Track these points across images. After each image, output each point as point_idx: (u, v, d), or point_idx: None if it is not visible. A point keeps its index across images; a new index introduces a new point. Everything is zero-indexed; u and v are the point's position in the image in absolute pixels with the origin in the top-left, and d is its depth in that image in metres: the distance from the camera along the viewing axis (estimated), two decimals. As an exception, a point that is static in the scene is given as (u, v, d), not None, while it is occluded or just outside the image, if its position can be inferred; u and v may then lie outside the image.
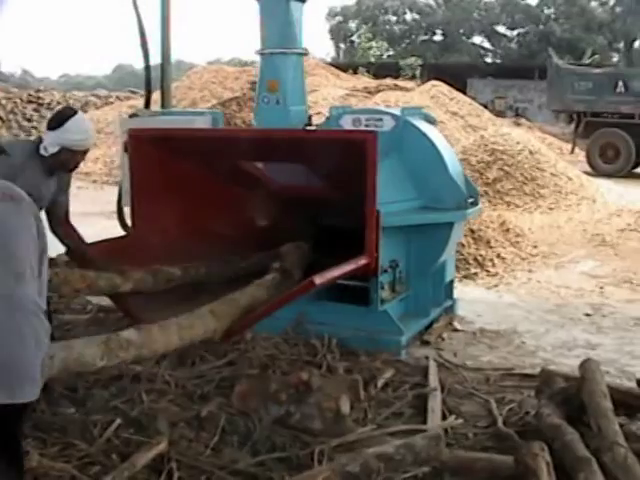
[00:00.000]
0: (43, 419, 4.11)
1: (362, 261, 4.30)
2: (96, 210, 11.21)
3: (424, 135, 5.82)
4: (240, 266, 5.17)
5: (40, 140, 4.19)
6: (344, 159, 4.52)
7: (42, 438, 3.88)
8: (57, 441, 3.87)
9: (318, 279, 3.72)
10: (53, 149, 4.12)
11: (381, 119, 5.94)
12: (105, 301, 6.23)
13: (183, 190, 5.07)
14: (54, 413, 4.20)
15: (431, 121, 6.24)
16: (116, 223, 7.69)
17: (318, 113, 6.89)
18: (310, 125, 6.43)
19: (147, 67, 7.70)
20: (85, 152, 4.30)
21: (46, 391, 4.52)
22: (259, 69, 6.59)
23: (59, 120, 4.17)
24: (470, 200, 5.86)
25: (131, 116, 6.56)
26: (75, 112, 4.27)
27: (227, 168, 5.08)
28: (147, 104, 7.55)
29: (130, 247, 5.00)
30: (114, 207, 7.82)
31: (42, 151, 4.12)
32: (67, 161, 4.22)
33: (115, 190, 8.03)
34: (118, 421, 4.04)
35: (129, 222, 6.25)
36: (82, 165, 16.93)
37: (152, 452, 3.66)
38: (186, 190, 5.11)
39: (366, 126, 5.94)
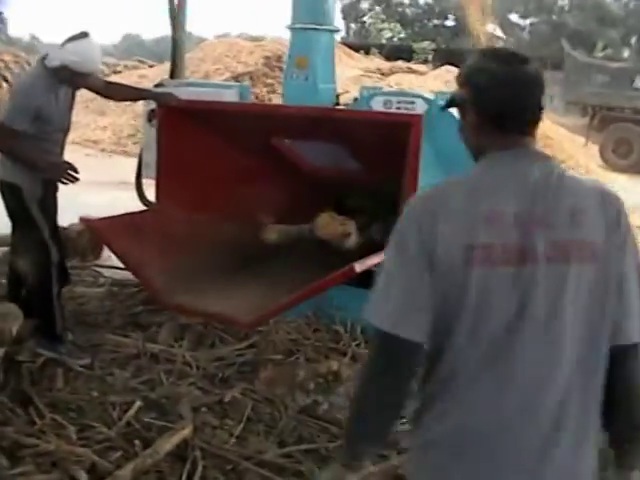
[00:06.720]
0: (59, 397, 3.95)
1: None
2: (105, 179, 11.03)
3: (458, 121, 5.62)
4: None
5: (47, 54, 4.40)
6: (383, 141, 4.34)
7: (58, 419, 3.69)
8: (74, 422, 3.69)
9: (358, 266, 3.55)
10: (54, 63, 4.30)
11: (413, 102, 5.73)
12: (118, 274, 6.08)
13: (211, 165, 4.89)
14: (71, 392, 4.05)
15: (463, 107, 6.03)
16: (127, 194, 7.45)
17: (346, 92, 6.66)
18: (338, 104, 6.23)
19: (175, 37, 7.51)
20: (85, 75, 4.39)
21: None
22: (289, 44, 6.39)
23: (67, 39, 4.33)
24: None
25: (156, 86, 6.32)
26: (84, 36, 4.34)
27: (258, 145, 4.90)
28: (172, 74, 7.33)
29: (153, 222, 4.82)
30: (123, 177, 7.57)
31: (46, 62, 4.33)
32: (67, 79, 4.38)
33: (124, 160, 7.84)
34: (138, 403, 3.86)
35: (149, 196, 6.07)
36: (90, 133, 16.44)
37: (176, 438, 3.48)
38: (214, 165, 4.92)
39: (397, 109, 5.73)
